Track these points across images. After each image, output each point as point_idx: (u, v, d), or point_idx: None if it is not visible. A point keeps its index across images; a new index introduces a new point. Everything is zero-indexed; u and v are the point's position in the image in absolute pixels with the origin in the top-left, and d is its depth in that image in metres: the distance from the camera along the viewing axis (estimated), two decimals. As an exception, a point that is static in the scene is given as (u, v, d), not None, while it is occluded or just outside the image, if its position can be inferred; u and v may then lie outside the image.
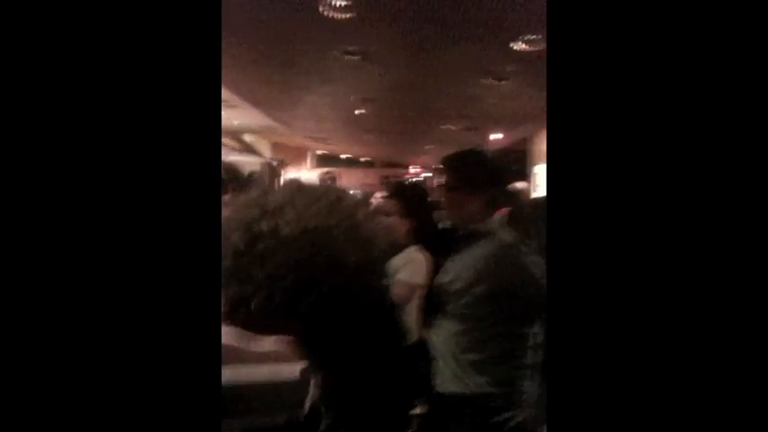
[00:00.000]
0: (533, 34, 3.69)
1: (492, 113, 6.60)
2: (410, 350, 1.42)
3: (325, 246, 0.57)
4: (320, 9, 3.38)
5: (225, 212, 0.62)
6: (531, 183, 7.07)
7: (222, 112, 7.61)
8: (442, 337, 1.56)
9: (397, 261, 1.82)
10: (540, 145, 7.56)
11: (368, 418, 0.62)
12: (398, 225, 1.97)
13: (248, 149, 10.12)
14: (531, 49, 3.90)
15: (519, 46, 3.93)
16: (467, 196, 1.58)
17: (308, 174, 11.94)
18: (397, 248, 1.89)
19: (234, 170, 2.57)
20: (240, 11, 3.48)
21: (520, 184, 4.07)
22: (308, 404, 0.77)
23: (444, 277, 1.60)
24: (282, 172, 11.66)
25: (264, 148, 11.31)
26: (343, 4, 3.31)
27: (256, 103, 6.90)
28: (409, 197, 2.07)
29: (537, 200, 3.59)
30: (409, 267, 1.88)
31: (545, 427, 1.06)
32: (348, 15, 3.46)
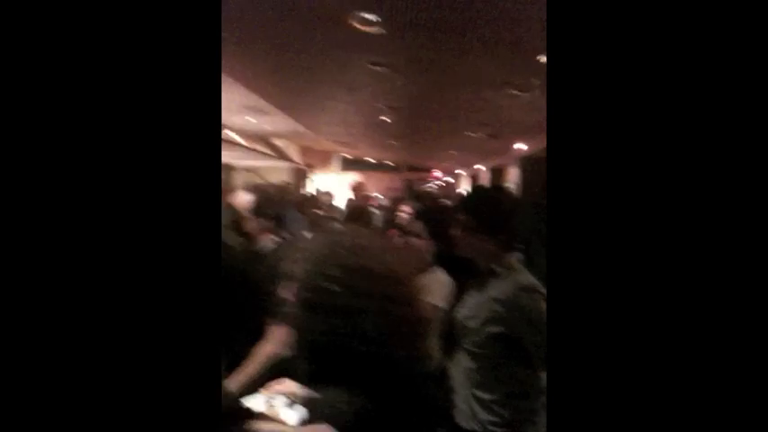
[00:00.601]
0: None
1: (515, 123, 6.68)
2: (431, 378, 1.55)
3: (377, 281, 0.63)
4: (349, 22, 3.55)
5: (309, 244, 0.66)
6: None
7: (255, 119, 7.87)
8: (459, 370, 1.57)
9: (422, 280, 1.88)
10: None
11: None
12: (425, 246, 2.03)
13: (279, 154, 10.38)
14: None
15: (544, 59, 4.03)
16: (482, 239, 1.56)
17: (335, 177, 12.13)
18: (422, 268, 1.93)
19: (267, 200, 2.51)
20: (271, 23, 3.69)
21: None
22: None
23: (462, 311, 1.60)
24: (310, 175, 11.88)
25: (293, 153, 11.57)
26: (372, 18, 3.48)
27: (287, 109, 7.14)
28: (435, 220, 2.10)
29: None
30: (435, 289, 1.89)
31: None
32: (376, 29, 3.63)
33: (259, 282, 1.19)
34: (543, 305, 1.41)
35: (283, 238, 2.29)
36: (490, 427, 1.47)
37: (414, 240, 2.06)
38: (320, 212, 5.11)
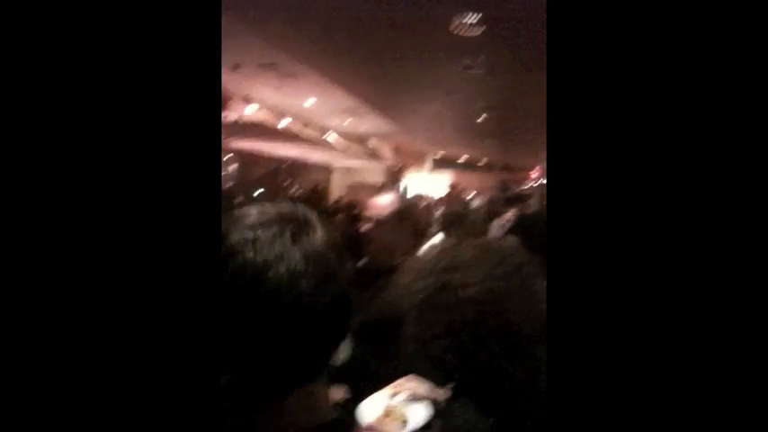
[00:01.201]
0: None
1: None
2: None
3: (503, 309, 0.61)
4: (450, 28, 3.60)
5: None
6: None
7: (351, 120, 8.16)
8: None
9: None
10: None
11: None
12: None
13: (372, 155, 10.65)
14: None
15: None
16: None
17: (426, 177, 12.20)
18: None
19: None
20: (371, 28, 3.83)
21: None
22: None
23: None
24: (402, 176, 12.05)
25: (386, 153, 11.81)
26: (473, 21, 3.50)
27: (382, 111, 7.32)
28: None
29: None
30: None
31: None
32: (477, 33, 3.64)
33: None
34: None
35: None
36: None
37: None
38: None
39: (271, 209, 0.55)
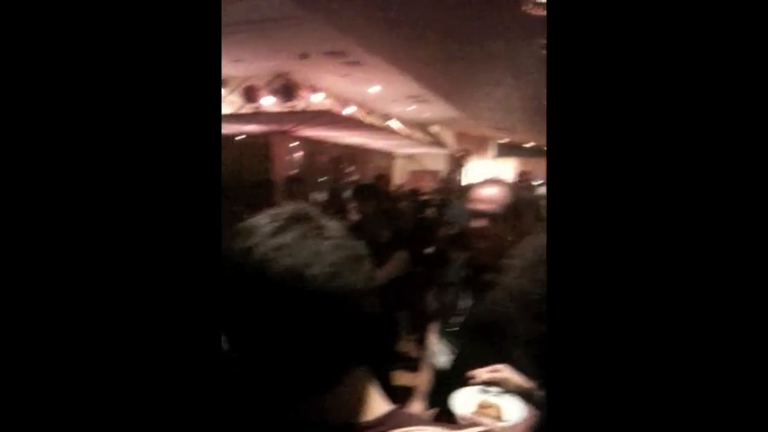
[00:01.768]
0: None
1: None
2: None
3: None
4: (523, 8, 3.47)
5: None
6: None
7: (414, 107, 8.11)
8: None
9: None
10: None
11: None
12: None
13: (434, 141, 10.57)
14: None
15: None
16: None
17: (490, 163, 11.96)
18: None
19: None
20: (439, 13, 3.76)
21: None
22: None
23: None
24: (465, 162, 11.87)
25: (448, 139, 11.67)
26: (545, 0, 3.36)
27: (447, 97, 7.22)
28: None
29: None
30: None
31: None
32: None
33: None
34: None
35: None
36: None
37: None
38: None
39: (282, 212, 0.57)
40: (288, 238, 0.53)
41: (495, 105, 7.86)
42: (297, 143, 7.59)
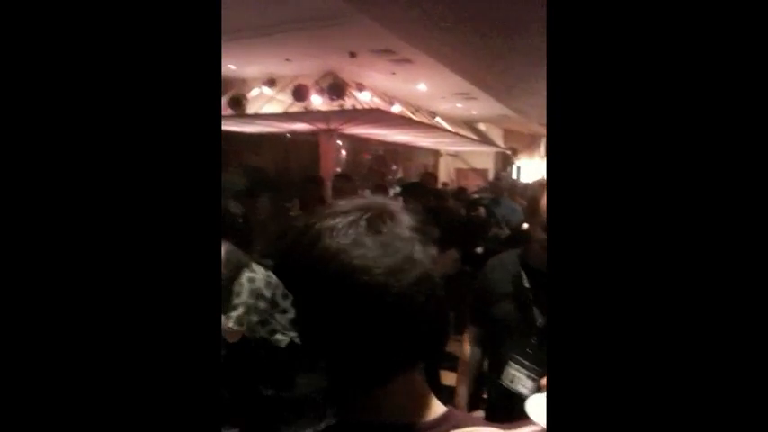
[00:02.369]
0: None
1: None
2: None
3: None
4: None
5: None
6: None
7: (462, 104, 8.05)
8: None
9: None
10: None
11: None
12: None
13: (483, 139, 10.43)
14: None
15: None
16: None
17: (539, 162, 11.69)
18: None
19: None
20: (479, 6, 3.71)
21: None
22: None
23: None
24: (514, 160, 11.65)
25: (496, 137, 11.49)
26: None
27: (495, 94, 7.12)
28: None
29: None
30: None
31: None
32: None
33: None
34: None
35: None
36: None
37: None
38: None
39: (356, 201, 0.57)
40: (338, 221, 0.53)
41: (545, 102, 7.67)
42: (344, 141, 7.68)
